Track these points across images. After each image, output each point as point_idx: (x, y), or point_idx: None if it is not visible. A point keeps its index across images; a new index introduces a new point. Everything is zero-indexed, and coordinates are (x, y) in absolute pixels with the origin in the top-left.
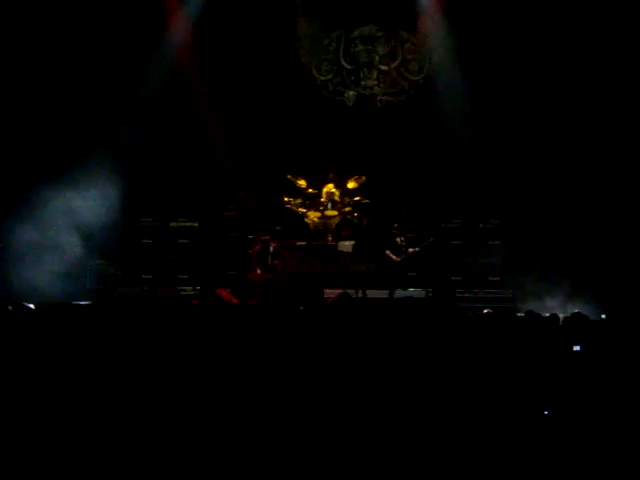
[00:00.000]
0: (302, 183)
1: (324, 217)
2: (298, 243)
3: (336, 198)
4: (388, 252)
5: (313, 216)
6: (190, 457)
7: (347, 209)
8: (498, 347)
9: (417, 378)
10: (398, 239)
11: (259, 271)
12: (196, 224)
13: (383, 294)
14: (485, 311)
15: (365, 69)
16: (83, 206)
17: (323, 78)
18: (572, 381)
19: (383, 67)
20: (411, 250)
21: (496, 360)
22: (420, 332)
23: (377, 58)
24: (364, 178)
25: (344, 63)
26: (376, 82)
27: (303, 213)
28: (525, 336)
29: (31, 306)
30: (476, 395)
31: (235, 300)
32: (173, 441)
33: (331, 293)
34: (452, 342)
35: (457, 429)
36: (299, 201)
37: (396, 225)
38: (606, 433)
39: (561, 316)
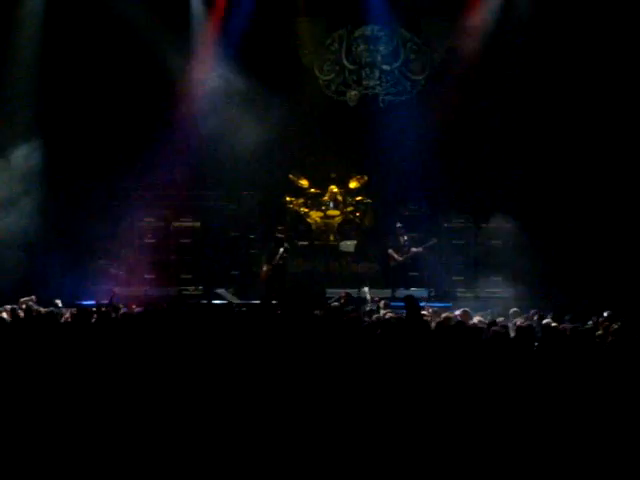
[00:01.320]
0: (304, 183)
1: (326, 217)
2: (300, 243)
3: (338, 198)
4: (391, 251)
5: (315, 216)
6: (187, 456)
7: (349, 209)
8: (496, 348)
9: (415, 380)
10: (401, 239)
11: (265, 268)
12: (198, 224)
13: (386, 294)
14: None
15: (367, 69)
16: None
17: (325, 78)
18: (572, 381)
19: (385, 67)
20: (414, 250)
21: (495, 360)
22: (418, 332)
23: (379, 58)
24: (366, 178)
25: (346, 63)
26: (378, 82)
27: (305, 213)
28: (524, 336)
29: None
30: (475, 396)
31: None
32: (169, 439)
33: (333, 293)
34: (450, 343)
35: (456, 430)
36: (301, 201)
37: (399, 225)
38: (606, 433)
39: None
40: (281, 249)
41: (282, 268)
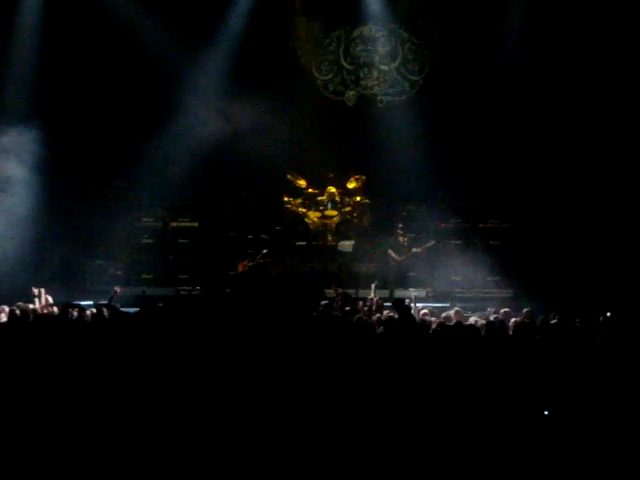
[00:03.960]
0: (302, 183)
1: (324, 217)
2: (298, 243)
3: (336, 198)
4: (390, 252)
5: (313, 216)
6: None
7: (347, 209)
8: (497, 348)
9: (418, 378)
10: (401, 239)
11: (244, 263)
12: (196, 224)
13: (384, 294)
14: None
15: (365, 69)
16: None
17: (323, 78)
18: (572, 381)
19: (383, 67)
20: (414, 250)
21: (496, 360)
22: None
23: (377, 58)
24: (364, 178)
25: (344, 63)
26: (376, 82)
27: (303, 213)
28: (523, 336)
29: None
30: (477, 396)
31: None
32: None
33: (331, 293)
34: (451, 342)
35: (458, 431)
36: (299, 201)
37: (400, 226)
38: (607, 433)
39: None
40: (264, 250)
41: (261, 268)
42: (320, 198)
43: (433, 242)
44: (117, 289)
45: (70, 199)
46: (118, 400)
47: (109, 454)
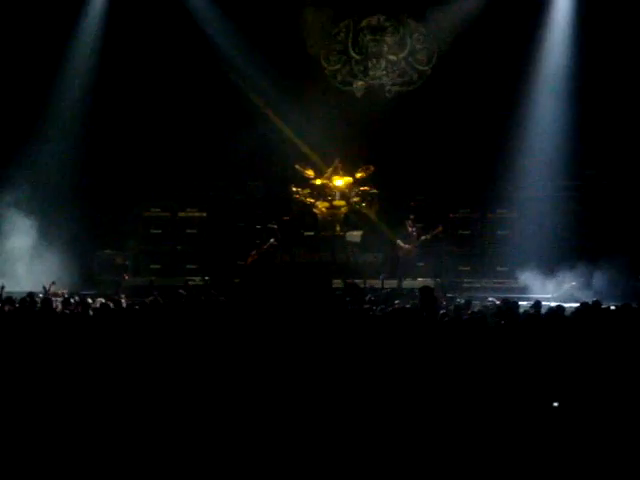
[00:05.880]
0: (310, 173)
1: (332, 207)
2: (306, 233)
3: (344, 188)
4: (399, 242)
5: (321, 206)
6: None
7: (355, 199)
8: (506, 338)
9: (423, 370)
10: (410, 229)
11: (252, 254)
12: (204, 214)
13: (392, 284)
14: None
15: (374, 59)
16: None
17: (332, 68)
18: (581, 372)
19: (392, 57)
20: (422, 237)
21: (505, 352)
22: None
23: (385, 48)
24: (372, 168)
25: (353, 53)
26: (385, 72)
27: (311, 203)
28: (533, 328)
29: None
30: (485, 388)
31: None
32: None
33: (339, 283)
34: (459, 333)
35: (465, 424)
36: (307, 191)
37: (412, 216)
38: (615, 425)
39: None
40: (271, 239)
41: (269, 257)
42: (330, 189)
43: (439, 228)
44: (126, 276)
45: (78, 189)
46: (115, 396)
47: (104, 452)
